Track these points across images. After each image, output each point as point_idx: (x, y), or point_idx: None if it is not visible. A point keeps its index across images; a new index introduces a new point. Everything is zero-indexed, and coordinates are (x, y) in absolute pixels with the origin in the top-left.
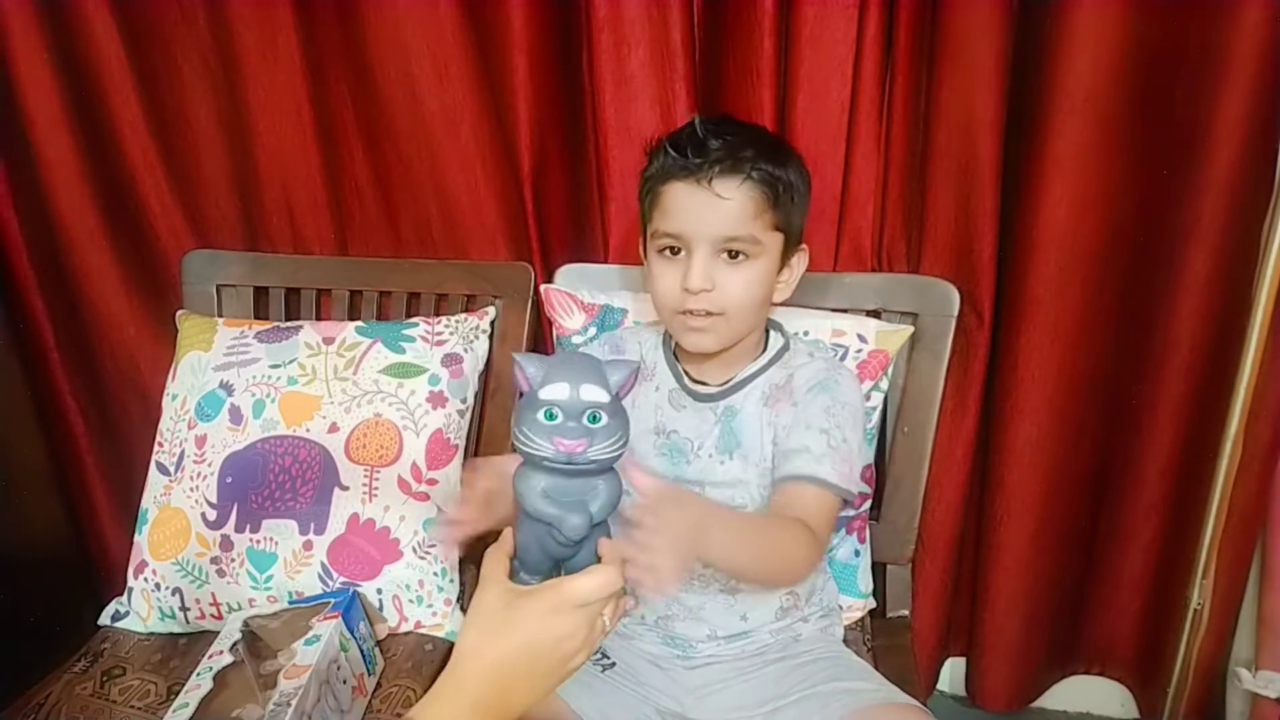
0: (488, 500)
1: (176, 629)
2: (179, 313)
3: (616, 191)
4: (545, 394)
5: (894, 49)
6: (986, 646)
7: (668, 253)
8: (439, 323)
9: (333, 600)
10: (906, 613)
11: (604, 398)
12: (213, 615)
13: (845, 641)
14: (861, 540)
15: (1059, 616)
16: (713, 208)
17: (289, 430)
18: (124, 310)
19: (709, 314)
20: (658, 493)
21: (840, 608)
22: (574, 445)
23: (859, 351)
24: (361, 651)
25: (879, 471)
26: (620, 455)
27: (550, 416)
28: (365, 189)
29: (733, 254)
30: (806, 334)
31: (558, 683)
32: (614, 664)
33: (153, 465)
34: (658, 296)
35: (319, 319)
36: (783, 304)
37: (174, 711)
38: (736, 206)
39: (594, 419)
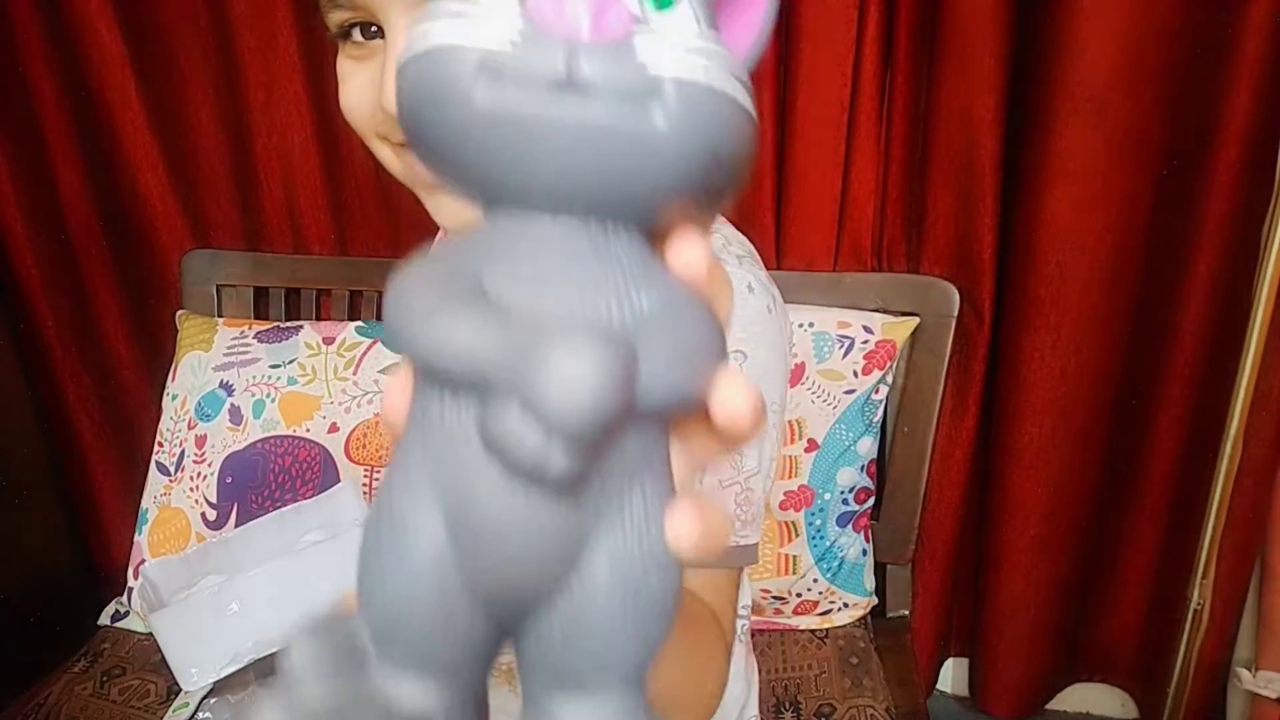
0: None
1: None
2: (179, 313)
3: None
4: None
5: (894, 49)
6: (988, 648)
7: (354, 37)
8: None
9: None
10: (906, 612)
11: None
12: None
13: (847, 639)
14: (868, 540)
15: (1061, 618)
16: None
17: (289, 430)
18: (124, 310)
19: None
20: None
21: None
22: None
23: (865, 343)
24: None
25: (879, 471)
26: None
27: None
28: (365, 189)
29: None
30: (811, 325)
31: None
32: None
33: (153, 465)
34: (349, 115)
35: (319, 319)
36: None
37: (174, 711)
38: None
39: None
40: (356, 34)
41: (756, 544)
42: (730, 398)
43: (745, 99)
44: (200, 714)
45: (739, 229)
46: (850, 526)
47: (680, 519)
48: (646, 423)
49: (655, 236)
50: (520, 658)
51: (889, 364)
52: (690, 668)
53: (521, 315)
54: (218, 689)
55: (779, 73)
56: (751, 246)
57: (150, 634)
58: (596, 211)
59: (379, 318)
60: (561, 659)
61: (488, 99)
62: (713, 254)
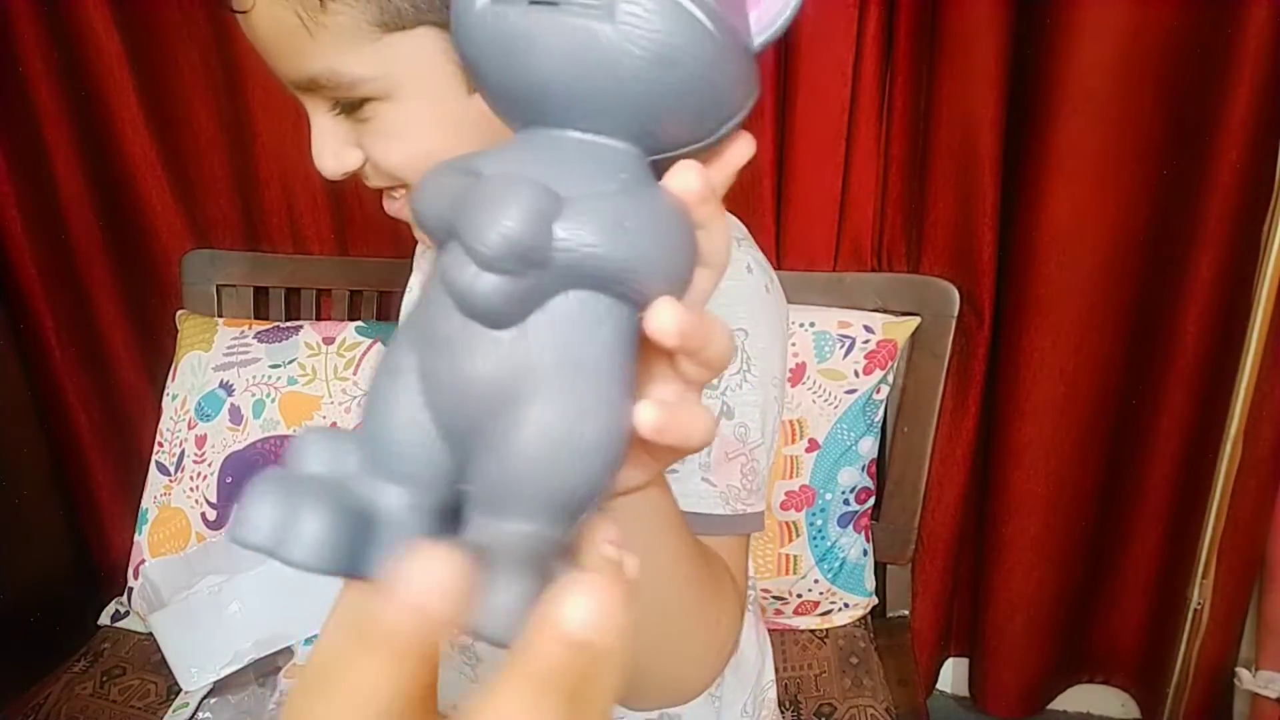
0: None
1: None
2: (179, 313)
3: None
4: None
5: (894, 49)
6: (988, 649)
7: None
8: None
9: None
10: (906, 612)
11: None
12: None
13: (847, 639)
14: (868, 540)
15: (1061, 618)
16: (252, 32)
17: (289, 430)
18: (124, 310)
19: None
20: None
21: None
22: None
23: (866, 343)
24: None
25: (879, 471)
26: None
27: None
28: (365, 189)
29: (343, 105)
30: (812, 325)
31: None
32: None
33: (153, 465)
34: None
35: (319, 319)
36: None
37: (174, 711)
38: (269, 27)
39: None
40: None
41: (762, 511)
42: (660, 316)
43: (701, 12)
44: (200, 714)
45: None
46: (851, 527)
47: (646, 408)
48: (609, 306)
49: (663, 169)
50: (467, 492)
51: (890, 364)
52: (701, 595)
53: (484, 178)
54: (218, 689)
55: (779, 73)
56: (746, 230)
57: (150, 634)
58: (580, 118)
59: (379, 317)
60: (492, 489)
61: (486, 15)
62: (714, 194)
